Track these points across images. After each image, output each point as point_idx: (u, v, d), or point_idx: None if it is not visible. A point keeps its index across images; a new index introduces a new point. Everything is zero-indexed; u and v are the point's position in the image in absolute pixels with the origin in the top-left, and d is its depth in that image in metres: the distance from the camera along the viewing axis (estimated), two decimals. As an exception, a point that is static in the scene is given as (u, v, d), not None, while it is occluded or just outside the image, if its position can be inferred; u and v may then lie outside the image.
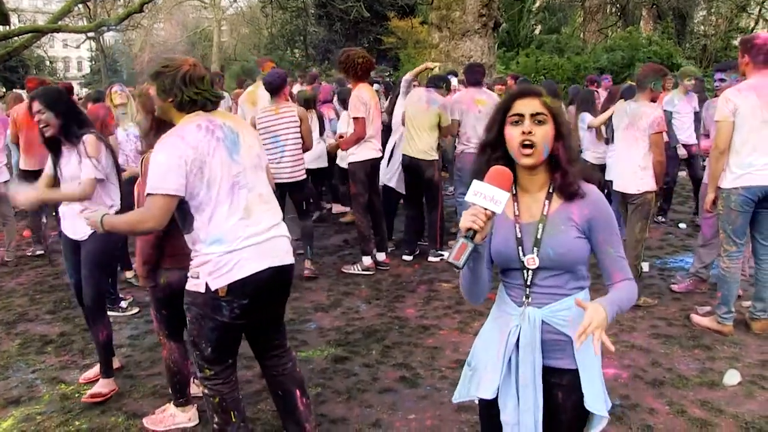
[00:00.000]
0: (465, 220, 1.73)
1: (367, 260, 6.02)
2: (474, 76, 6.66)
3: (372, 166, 5.97)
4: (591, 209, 1.90)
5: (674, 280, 5.58)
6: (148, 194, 2.54)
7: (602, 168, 6.54)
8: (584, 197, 1.91)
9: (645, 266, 5.90)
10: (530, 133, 1.85)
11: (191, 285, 2.69)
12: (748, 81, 4.28)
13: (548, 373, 1.93)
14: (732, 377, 3.79)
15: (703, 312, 4.77)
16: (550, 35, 24.11)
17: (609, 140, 6.35)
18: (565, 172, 1.90)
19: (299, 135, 5.56)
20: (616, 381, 3.80)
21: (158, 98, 2.71)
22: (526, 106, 1.89)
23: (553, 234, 1.89)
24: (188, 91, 2.63)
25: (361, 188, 5.95)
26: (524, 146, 1.86)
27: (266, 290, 2.73)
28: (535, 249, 1.90)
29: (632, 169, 4.85)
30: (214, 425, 2.85)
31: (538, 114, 1.87)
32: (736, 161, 4.26)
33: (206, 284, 2.62)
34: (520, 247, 1.91)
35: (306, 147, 5.70)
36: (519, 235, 1.92)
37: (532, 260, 1.90)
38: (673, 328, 4.60)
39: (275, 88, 5.62)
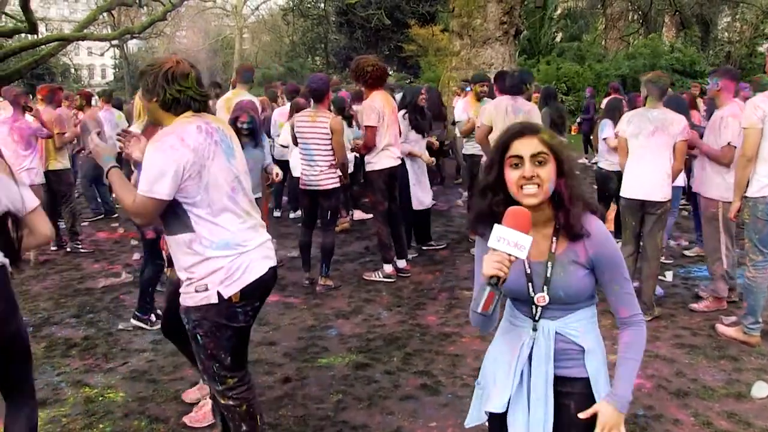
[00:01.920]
0: (489, 268, 1.70)
1: (388, 268, 6.01)
2: (503, 83, 6.60)
3: (390, 174, 5.93)
4: (596, 249, 1.87)
5: (697, 288, 5.52)
6: (141, 193, 2.48)
7: (618, 174, 6.51)
8: (590, 236, 1.87)
9: (668, 275, 5.84)
10: (531, 178, 1.80)
11: (199, 300, 2.59)
12: None
13: (558, 383, 1.92)
14: (761, 389, 3.71)
15: (728, 322, 4.70)
16: (572, 42, 24.05)
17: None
18: (568, 211, 1.85)
19: (329, 146, 5.49)
20: (640, 391, 3.76)
21: (144, 99, 2.63)
22: (525, 146, 1.83)
23: (562, 275, 1.87)
24: (171, 89, 2.53)
25: (380, 196, 5.93)
26: (525, 186, 1.81)
27: (268, 290, 2.77)
28: (545, 287, 1.88)
29: (660, 176, 4.73)
30: None
31: (538, 154, 1.82)
32: (763, 169, 4.20)
33: (218, 293, 2.57)
34: (530, 284, 1.90)
35: (337, 159, 5.58)
36: (528, 272, 1.90)
37: (542, 299, 1.88)
38: (697, 338, 4.54)
39: (319, 94, 5.56)
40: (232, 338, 2.67)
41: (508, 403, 1.94)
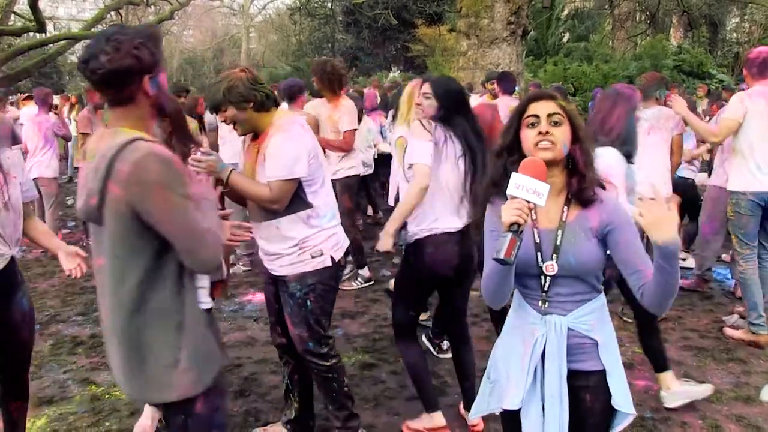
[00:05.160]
0: (509, 214, 1.70)
1: (365, 272, 5.96)
2: (508, 84, 6.70)
3: (357, 179, 5.90)
4: (609, 214, 1.89)
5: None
6: (277, 180, 2.72)
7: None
8: (602, 202, 1.90)
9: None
10: (547, 133, 1.84)
11: (316, 264, 2.89)
12: (755, 88, 4.44)
13: (573, 377, 1.92)
14: (769, 393, 3.69)
15: (731, 322, 4.72)
16: (579, 43, 23.94)
17: None
18: (582, 175, 1.88)
19: None
20: (647, 393, 3.74)
21: (240, 111, 2.76)
22: (542, 107, 1.89)
23: (573, 242, 1.88)
24: (261, 88, 2.77)
25: (353, 202, 5.87)
26: (540, 143, 1.85)
27: None
28: (555, 256, 1.89)
29: (661, 172, 4.75)
30: (347, 406, 3.10)
31: (554, 114, 1.87)
32: (745, 165, 4.35)
33: (331, 257, 2.92)
34: (538, 253, 1.90)
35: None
36: (537, 241, 1.91)
37: (551, 267, 1.89)
38: (705, 340, 4.52)
39: (292, 95, 5.70)
40: (331, 301, 3.03)
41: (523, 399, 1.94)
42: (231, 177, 2.74)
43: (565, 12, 25.95)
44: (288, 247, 2.86)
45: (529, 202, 1.71)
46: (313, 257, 2.88)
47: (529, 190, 1.71)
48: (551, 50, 22.79)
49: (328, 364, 3.00)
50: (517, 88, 8.54)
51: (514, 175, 1.74)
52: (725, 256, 6.45)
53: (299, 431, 3.29)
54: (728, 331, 4.60)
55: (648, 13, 25.90)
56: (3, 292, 2.67)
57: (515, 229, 1.69)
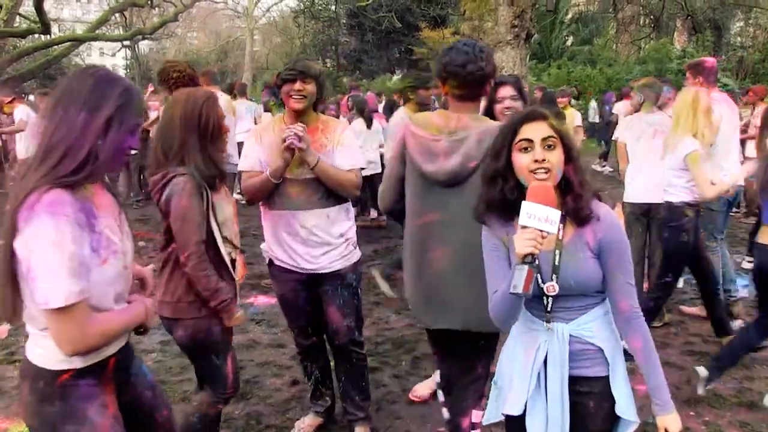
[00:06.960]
0: (523, 246, 1.67)
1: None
2: None
3: None
4: (605, 232, 1.86)
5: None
6: (358, 168, 3.04)
7: None
8: (599, 220, 1.86)
9: (680, 282, 5.79)
10: (544, 160, 1.79)
11: (357, 254, 3.14)
12: (713, 95, 4.68)
13: (577, 383, 1.91)
14: (772, 398, 3.70)
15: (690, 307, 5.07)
16: (583, 46, 23.98)
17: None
18: (578, 195, 1.84)
19: None
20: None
21: (316, 93, 2.94)
22: (535, 130, 1.82)
23: (572, 262, 1.86)
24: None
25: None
26: (537, 171, 1.80)
27: None
28: (554, 276, 1.86)
29: (661, 177, 4.74)
30: (370, 397, 3.38)
31: (547, 138, 1.81)
32: (718, 166, 4.64)
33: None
34: (537, 275, 1.87)
35: None
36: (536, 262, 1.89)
37: (552, 288, 1.86)
38: (708, 345, 4.50)
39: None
40: None
41: (525, 405, 1.94)
42: (319, 162, 2.85)
43: (569, 16, 25.99)
44: (336, 238, 2.99)
45: (542, 230, 1.69)
46: (354, 248, 3.10)
47: (541, 218, 1.68)
48: (555, 54, 22.84)
49: (364, 352, 3.25)
50: None
51: (524, 204, 1.70)
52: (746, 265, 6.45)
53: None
54: (684, 309, 5.07)
55: (652, 16, 25.91)
56: (121, 367, 1.92)
57: (530, 260, 1.67)
